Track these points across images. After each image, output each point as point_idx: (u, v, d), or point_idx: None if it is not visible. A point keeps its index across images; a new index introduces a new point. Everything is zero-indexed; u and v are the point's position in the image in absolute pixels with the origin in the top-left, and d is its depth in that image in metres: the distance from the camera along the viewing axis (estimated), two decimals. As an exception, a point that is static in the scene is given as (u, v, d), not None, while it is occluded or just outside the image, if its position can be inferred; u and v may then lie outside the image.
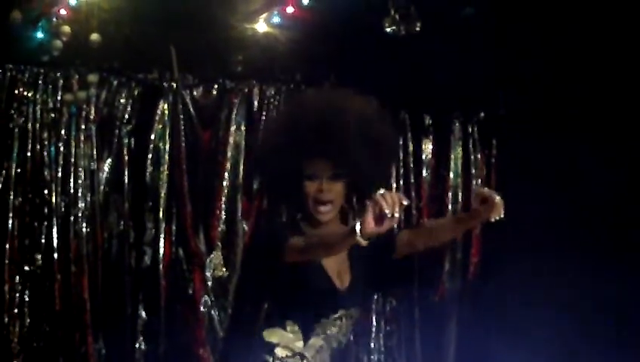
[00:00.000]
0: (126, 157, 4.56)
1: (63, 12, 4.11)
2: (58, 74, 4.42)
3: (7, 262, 4.32)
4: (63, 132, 4.45)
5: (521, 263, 4.42)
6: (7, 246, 4.33)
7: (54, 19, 4.12)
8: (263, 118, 4.68)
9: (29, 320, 4.37)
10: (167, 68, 4.54)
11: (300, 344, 2.76)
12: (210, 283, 4.64)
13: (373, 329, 4.86)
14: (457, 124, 5.05)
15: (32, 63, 4.37)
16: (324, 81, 4.54)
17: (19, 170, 4.38)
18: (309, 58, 4.60)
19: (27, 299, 4.37)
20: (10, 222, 4.34)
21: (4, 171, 4.35)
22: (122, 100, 4.55)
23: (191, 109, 4.65)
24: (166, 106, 4.60)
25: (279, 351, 2.75)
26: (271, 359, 2.75)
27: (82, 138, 4.47)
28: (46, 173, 4.42)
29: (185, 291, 4.61)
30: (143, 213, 4.58)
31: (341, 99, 2.83)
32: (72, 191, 4.45)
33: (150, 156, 4.59)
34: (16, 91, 4.37)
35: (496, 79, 4.82)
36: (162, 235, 4.57)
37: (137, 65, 4.57)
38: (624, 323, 4.13)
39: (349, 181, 2.80)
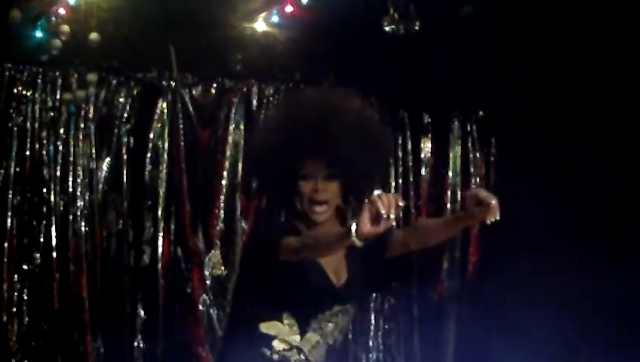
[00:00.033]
0: (125, 156, 4.52)
1: (62, 11, 4.08)
2: (57, 73, 4.40)
3: (5, 260, 4.29)
4: (61, 131, 4.42)
5: (521, 263, 4.40)
6: (6, 244, 4.29)
7: (53, 19, 4.09)
8: (262, 117, 4.65)
9: (27, 319, 4.33)
10: (166, 67, 4.51)
11: (297, 337, 2.74)
12: (208, 282, 4.61)
13: (372, 327, 4.83)
14: (456, 123, 5.02)
15: (31, 62, 4.35)
16: (323, 80, 4.51)
17: (18, 169, 4.34)
18: (308, 57, 4.59)
19: (26, 298, 4.34)
20: (9, 220, 4.31)
21: (2, 170, 4.32)
22: (121, 99, 4.52)
23: (190, 108, 4.62)
24: (165, 105, 4.57)
25: (276, 344, 2.72)
26: (268, 352, 2.72)
27: (81, 137, 4.44)
28: (45, 172, 4.39)
29: (184, 290, 4.58)
30: (141, 212, 4.55)
31: (336, 99, 2.81)
32: (70, 190, 4.42)
33: (149, 155, 4.56)
34: (15, 90, 4.34)
35: (495, 78, 4.80)
36: (161, 234, 4.54)
37: (136, 65, 4.54)
38: (624, 323, 4.12)
39: (344, 181, 2.77)
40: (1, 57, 4.29)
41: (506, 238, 4.42)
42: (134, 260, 4.52)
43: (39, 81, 4.37)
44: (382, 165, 3.11)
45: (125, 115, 4.53)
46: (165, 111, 4.57)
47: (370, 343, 4.81)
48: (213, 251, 4.62)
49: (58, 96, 4.39)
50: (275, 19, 4.45)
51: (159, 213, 4.54)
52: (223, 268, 4.63)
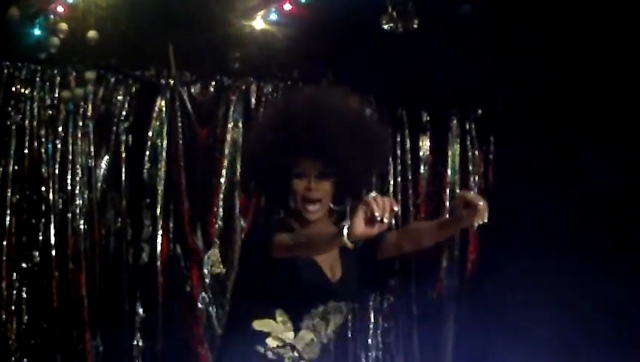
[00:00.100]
0: (123, 155, 4.49)
1: (60, 9, 4.05)
2: (55, 71, 4.37)
3: (4, 259, 4.26)
4: (60, 129, 4.38)
5: (521, 262, 4.35)
6: (5, 243, 4.26)
7: (51, 17, 4.05)
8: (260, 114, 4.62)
9: (26, 318, 4.29)
10: (164, 65, 4.47)
11: (290, 334, 2.69)
12: (207, 281, 4.56)
13: (371, 325, 4.78)
14: (455, 121, 4.97)
15: (30, 60, 4.32)
16: (321, 78, 4.45)
17: (16, 167, 4.31)
18: (307, 55, 4.54)
19: (25, 296, 4.30)
20: (8, 219, 4.27)
21: (1, 168, 4.29)
22: (119, 97, 4.49)
23: (188, 106, 4.58)
24: (163, 103, 4.54)
25: (270, 341, 2.67)
26: (262, 349, 2.67)
27: (79, 135, 4.41)
28: (43, 170, 4.36)
29: (182, 288, 4.54)
30: (140, 210, 4.51)
31: (332, 98, 2.78)
32: (69, 188, 4.39)
33: (147, 153, 4.52)
34: (14, 88, 4.32)
35: (493, 76, 4.75)
36: (160, 232, 4.50)
37: (135, 63, 4.51)
38: (624, 323, 4.09)
39: (337, 180, 2.73)
40: (-1, 55, 4.28)
41: (505, 237, 4.40)
42: (133, 258, 4.48)
43: (37, 79, 4.34)
44: (377, 165, 3.05)
45: (124, 113, 4.49)
46: (164, 109, 4.53)
47: (370, 341, 4.76)
48: (212, 249, 4.58)
49: (56, 94, 4.36)
50: (273, 17, 4.40)
51: (158, 211, 4.50)
52: (222, 266, 4.59)
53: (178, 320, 4.49)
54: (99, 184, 4.44)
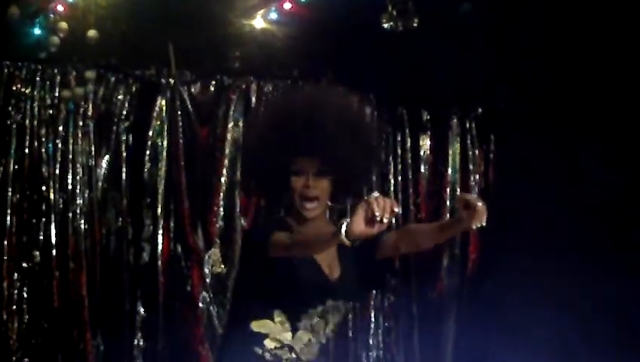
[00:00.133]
0: (124, 154, 4.48)
1: (60, 8, 4.02)
2: (55, 70, 4.36)
3: (5, 258, 4.26)
4: (60, 128, 4.38)
5: (521, 262, 4.35)
6: (5, 242, 4.26)
7: (52, 16, 4.03)
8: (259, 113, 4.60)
9: (27, 317, 4.29)
10: (164, 64, 4.45)
11: (288, 335, 2.68)
12: (208, 280, 4.55)
13: (372, 325, 4.75)
14: (455, 120, 4.93)
15: (30, 60, 4.32)
16: (321, 77, 4.42)
17: (16, 167, 4.31)
18: (307, 54, 4.52)
19: (25, 296, 4.30)
20: (8, 218, 4.27)
21: (1, 168, 4.29)
22: (120, 97, 4.48)
23: (189, 106, 4.57)
24: (164, 103, 4.52)
25: (268, 343, 2.66)
26: (260, 351, 2.66)
27: (80, 134, 4.40)
28: (44, 169, 4.35)
29: (183, 288, 4.52)
30: (141, 210, 4.50)
31: (329, 96, 2.78)
32: (69, 187, 4.38)
33: (148, 153, 4.51)
34: (14, 88, 4.33)
35: (494, 75, 4.73)
36: (160, 232, 4.48)
37: (135, 62, 4.50)
38: (624, 323, 4.07)
39: (335, 178, 2.73)
40: (-1, 55, 4.26)
41: (505, 236, 4.38)
42: (134, 258, 4.47)
43: (38, 78, 4.34)
44: (373, 162, 3.02)
45: (124, 112, 4.48)
46: (164, 108, 4.52)
47: (370, 341, 4.73)
48: (212, 249, 4.56)
49: (57, 94, 4.35)
50: (273, 16, 4.38)
51: (158, 210, 4.49)
52: (222, 265, 4.57)
53: (179, 320, 4.48)
54: (99, 183, 4.43)
